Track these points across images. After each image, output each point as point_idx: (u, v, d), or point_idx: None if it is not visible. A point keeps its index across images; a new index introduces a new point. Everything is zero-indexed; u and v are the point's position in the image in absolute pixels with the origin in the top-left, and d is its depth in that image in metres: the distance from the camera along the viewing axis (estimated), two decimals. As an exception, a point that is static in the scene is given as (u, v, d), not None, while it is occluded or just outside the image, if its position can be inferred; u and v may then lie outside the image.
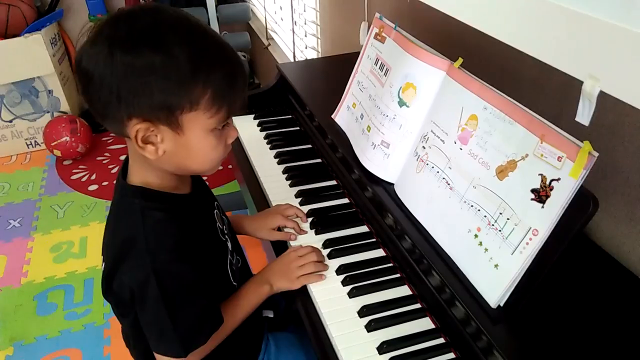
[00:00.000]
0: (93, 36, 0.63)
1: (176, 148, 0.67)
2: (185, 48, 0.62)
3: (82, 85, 0.65)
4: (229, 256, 0.84)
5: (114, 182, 0.78)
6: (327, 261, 0.87)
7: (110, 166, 2.55)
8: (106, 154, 2.64)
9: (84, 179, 2.46)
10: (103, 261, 0.76)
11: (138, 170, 0.73)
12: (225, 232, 0.86)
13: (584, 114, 0.48)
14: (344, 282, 0.83)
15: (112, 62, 0.61)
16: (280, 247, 0.94)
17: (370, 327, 0.75)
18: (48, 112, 2.66)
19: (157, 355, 0.74)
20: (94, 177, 2.47)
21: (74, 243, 2.05)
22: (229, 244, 0.86)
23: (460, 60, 0.80)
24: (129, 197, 0.72)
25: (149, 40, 0.61)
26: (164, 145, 0.67)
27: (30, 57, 2.47)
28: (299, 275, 0.83)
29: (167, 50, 0.61)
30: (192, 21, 0.65)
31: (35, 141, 2.70)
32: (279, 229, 0.95)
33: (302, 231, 0.94)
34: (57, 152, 2.52)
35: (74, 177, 2.48)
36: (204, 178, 0.85)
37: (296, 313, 0.83)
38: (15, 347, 1.62)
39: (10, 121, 2.61)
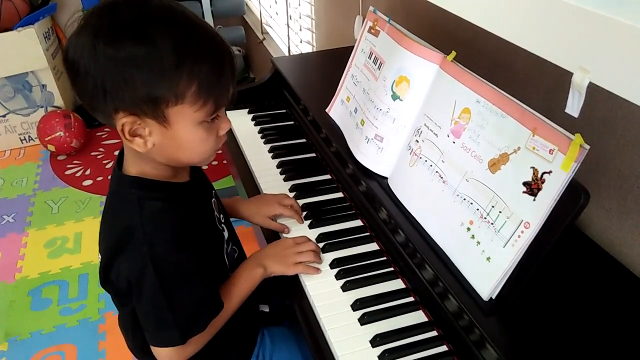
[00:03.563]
0: (79, 27, 0.62)
1: (165, 141, 0.67)
2: (168, 39, 0.61)
3: (70, 77, 0.64)
4: (225, 245, 0.84)
5: (109, 176, 0.78)
6: (321, 255, 0.87)
7: (105, 161, 2.53)
8: (100, 149, 2.63)
9: (78, 174, 2.44)
10: (100, 252, 0.76)
11: (134, 161, 0.72)
12: (223, 221, 0.86)
13: (573, 106, 0.48)
14: (338, 276, 0.83)
15: (95, 55, 0.60)
16: (273, 239, 0.94)
17: (364, 321, 0.75)
18: (42, 106, 2.64)
19: (154, 349, 0.74)
20: (88, 172, 2.46)
21: (69, 238, 2.05)
22: (225, 233, 0.86)
23: (454, 53, 0.79)
24: (126, 187, 0.72)
25: (131, 32, 0.60)
26: (153, 138, 0.66)
27: (23, 51, 2.45)
28: (297, 262, 0.82)
29: (150, 42, 0.60)
30: (178, 11, 0.64)
31: (29, 136, 2.68)
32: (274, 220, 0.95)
33: (301, 219, 0.94)
34: (51, 147, 2.50)
35: (68, 172, 2.46)
36: (204, 168, 0.84)
37: (291, 308, 0.83)
38: (9, 343, 1.62)
39: (4, 116, 2.59)
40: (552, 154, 0.60)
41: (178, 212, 0.72)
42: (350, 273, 0.83)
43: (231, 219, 0.94)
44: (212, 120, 0.69)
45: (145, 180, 0.72)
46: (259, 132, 1.23)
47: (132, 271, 0.69)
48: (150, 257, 0.68)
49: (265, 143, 1.19)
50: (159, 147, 0.67)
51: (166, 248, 0.69)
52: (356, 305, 0.77)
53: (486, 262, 0.67)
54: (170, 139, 0.67)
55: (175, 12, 0.63)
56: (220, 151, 0.76)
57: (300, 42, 2.10)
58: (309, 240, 0.87)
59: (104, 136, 2.72)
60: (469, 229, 0.71)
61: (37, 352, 1.58)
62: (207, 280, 0.74)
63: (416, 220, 0.81)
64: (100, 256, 0.76)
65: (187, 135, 0.67)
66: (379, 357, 0.70)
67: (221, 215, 0.86)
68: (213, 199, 0.85)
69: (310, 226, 0.94)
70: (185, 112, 0.65)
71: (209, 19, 2.67)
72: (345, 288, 0.80)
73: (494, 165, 0.68)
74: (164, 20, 0.62)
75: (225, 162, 2.40)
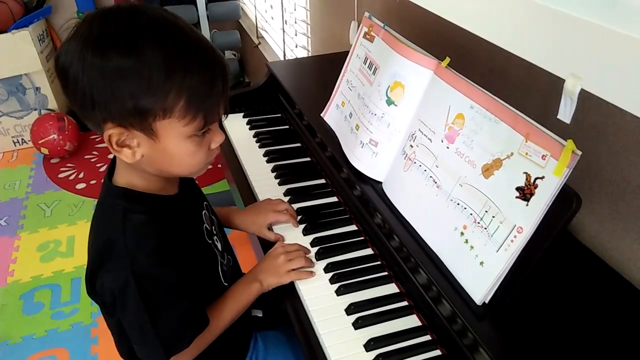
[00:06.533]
0: (71, 34, 0.62)
1: (154, 153, 0.66)
2: (158, 52, 0.60)
3: (61, 84, 0.64)
4: (219, 257, 0.84)
5: (102, 180, 0.77)
6: (315, 260, 0.87)
7: (99, 164, 2.53)
8: (94, 152, 2.62)
9: (71, 178, 2.43)
10: (87, 261, 0.76)
11: (124, 171, 0.72)
12: (214, 232, 0.85)
13: (565, 112, 0.49)
14: (332, 280, 0.83)
15: (83, 65, 0.59)
16: (268, 245, 0.94)
17: (358, 325, 0.75)
18: (35, 109, 2.63)
19: None
20: (81, 175, 2.45)
21: (61, 242, 2.04)
22: (219, 245, 0.85)
23: (448, 59, 0.80)
24: (113, 197, 0.71)
25: (120, 43, 0.59)
26: (141, 149, 0.65)
27: (17, 53, 2.44)
28: (288, 270, 0.83)
29: (138, 54, 0.59)
30: (170, 22, 0.62)
31: (22, 139, 2.67)
32: (270, 228, 0.95)
33: (296, 223, 0.94)
34: (45, 150, 2.49)
35: (61, 175, 2.45)
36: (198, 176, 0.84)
37: (284, 312, 0.83)
38: (1, 347, 1.60)
39: (-3, 118, 2.58)
40: (544, 159, 0.61)
41: (162, 226, 0.71)
42: (344, 277, 0.83)
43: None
44: (202, 134, 0.67)
45: (132, 192, 0.71)
46: (254, 136, 1.24)
47: (114, 284, 0.68)
48: (131, 271, 0.66)
49: (260, 147, 1.20)
50: (148, 159, 0.67)
51: (148, 262, 0.68)
52: (350, 309, 0.77)
53: (479, 266, 0.68)
54: (159, 152, 0.66)
55: (167, 23, 0.62)
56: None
57: (296, 46, 2.11)
58: (297, 245, 0.88)
59: (97, 139, 2.71)
60: (462, 233, 0.71)
61: (29, 357, 1.57)
62: (192, 295, 0.73)
63: (410, 225, 0.81)
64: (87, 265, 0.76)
65: (176, 149, 0.66)
66: (372, 361, 0.70)
67: (213, 227, 0.85)
68: (204, 211, 0.84)
69: (305, 230, 0.94)
70: (174, 126, 0.63)
71: (204, 23, 2.68)
72: (339, 292, 0.81)
73: (488, 171, 0.69)
74: (155, 31, 0.60)
75: (220, 166, 2.40)
